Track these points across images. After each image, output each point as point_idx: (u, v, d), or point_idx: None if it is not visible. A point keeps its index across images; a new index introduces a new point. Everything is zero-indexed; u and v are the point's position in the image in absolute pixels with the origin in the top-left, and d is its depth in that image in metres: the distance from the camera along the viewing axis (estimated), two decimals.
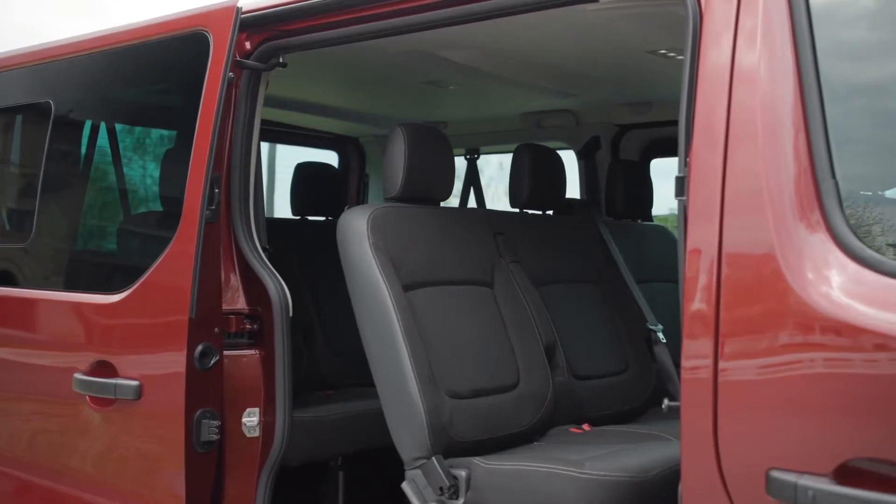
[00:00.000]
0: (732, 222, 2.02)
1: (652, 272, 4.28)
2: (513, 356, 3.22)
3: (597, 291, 3.83)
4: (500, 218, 3.59)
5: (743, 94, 2.05)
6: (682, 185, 2.16)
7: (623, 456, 2.78)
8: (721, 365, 2.00)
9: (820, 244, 1.92)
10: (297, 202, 4.47)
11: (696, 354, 2.05)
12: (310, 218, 4.53)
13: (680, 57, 3.50)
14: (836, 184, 1.93)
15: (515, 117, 4.91)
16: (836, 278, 1.89)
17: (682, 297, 2.12)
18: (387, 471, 3.79)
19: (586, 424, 3.36)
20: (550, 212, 3.90)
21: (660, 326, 3.91)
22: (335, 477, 3.69)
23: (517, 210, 3.74)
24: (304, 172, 4.51)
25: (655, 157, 4.93)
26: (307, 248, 4.23)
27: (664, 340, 3.88)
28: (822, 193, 1.93)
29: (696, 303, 2.06)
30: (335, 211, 4.65)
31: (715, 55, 2.13)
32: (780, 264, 1.93)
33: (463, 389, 2.98)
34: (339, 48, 3.15)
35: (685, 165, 2.15)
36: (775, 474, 1.90)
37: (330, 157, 5.72)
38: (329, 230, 4.51)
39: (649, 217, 4.66)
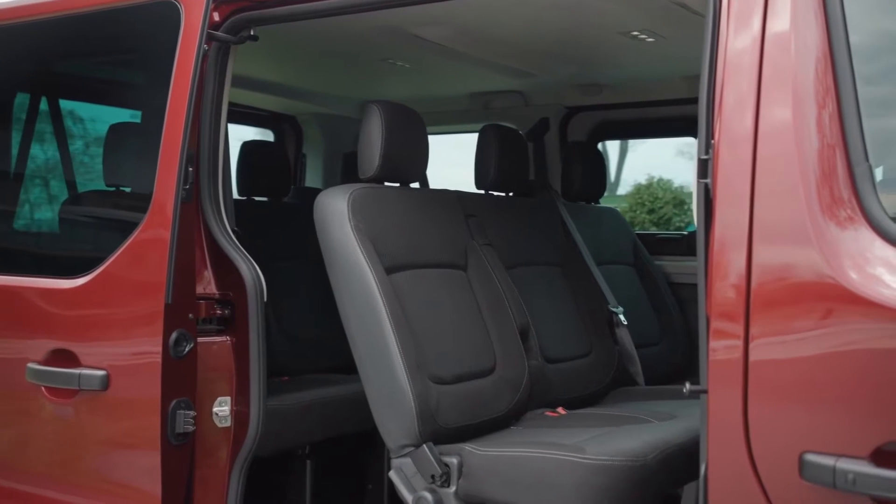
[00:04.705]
0: (764, 204, 2.00)
1: (608, 254, 4.28)
2: (489, 340, 3.16)
3: (560, 274, 3.81)
4: (470, 200, 3.52)
5: (773, 72, 2.03)
6: (705, 168, 2.13)
7: (616, 440, 2.75)
8: (752, 347, 1.98)
9: (853, 226, 1.92)
10: (243, 182, 4.30)
11: (724, 337, 2.02)
12: (256, 199, 4.37)
13: (650, 39, 3.52)
14: (870, 167, 1.93)
15: (462, 97, 4.85)
16: (871, 258, 1.89)
17: (702, 279, 2.09)
18: (354, 459, 3.70)
19: (561, 408, 3.34)
20: (511, 193, 3.86)
21: (621, 308, 3.91)
22: (303, 466, 3.58)
23: (483, 192, 3.68)
24: (251, 151, 4.34)
25: (603, 139, 4.95)
26: (256, 230, 4.07)
27: (625, 322, 3.89)
28: (856, 177, 1.93)
29: (724, 285, 2.03)
30: (281, 191, 4.50)
31: (741, 31, 2.09)
32: (814, 246, 1.92)
33: (446, 375, 2.92)
34: (295, 22, 3.01)
35: (709, 147, 2.12)
36: (810, 458, 1.89)
37: (262, 136, 5.55)
38: (277, 211, 4.40)
39: (599, 200, 4.66)
